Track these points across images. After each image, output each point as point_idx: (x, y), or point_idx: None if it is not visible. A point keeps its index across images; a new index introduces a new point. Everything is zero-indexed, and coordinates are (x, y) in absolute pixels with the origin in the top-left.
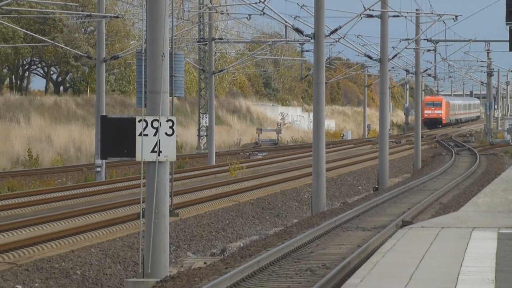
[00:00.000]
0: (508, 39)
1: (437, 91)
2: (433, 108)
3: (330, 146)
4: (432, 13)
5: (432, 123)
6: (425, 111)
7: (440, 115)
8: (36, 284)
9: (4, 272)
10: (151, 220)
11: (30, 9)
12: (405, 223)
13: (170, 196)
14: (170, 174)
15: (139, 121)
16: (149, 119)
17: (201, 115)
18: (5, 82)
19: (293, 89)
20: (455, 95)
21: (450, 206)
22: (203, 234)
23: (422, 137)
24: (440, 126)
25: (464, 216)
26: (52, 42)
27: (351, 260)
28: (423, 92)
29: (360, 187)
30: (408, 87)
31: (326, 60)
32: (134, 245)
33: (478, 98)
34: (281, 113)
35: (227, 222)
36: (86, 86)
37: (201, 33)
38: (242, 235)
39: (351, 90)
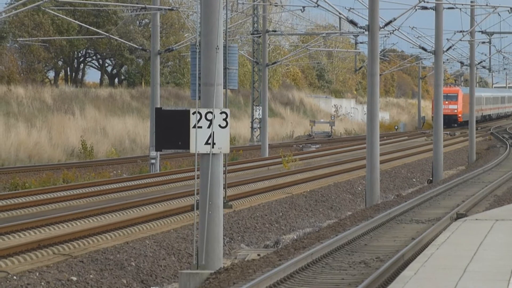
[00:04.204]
0: None
1: (492, 83)
2: (446, 102)
3: (384, 138)
4: (487, 5)
5: (444, 121)
6: None
7: (455, 111)
8: (91, 276)
9: (59, 264)
10: (205, 212)
11: (84, 1)
12: (459, 216)
13: (224, 188)
14: (223, 166)
15: (193, 113)
16: (203, 111)
17: (254, 107)
18: (60, 74)
19: (347, 81)
20: (509, 87)
21: (505, 198)
22: (257, 226)
23: (476, 129)
24: (456, 125)
25: None
26: (107, 34)
27: (405, 252)
28: (477, 84)
29: (414, 180)
30: (462, 79)
31: (380, 52)
32: (188, 237)
33: None
34: (335, 105)
35: (281, 214)
36: (140, 78)
37: (255, 25)
38: (296, 227)
39: (405, 82)
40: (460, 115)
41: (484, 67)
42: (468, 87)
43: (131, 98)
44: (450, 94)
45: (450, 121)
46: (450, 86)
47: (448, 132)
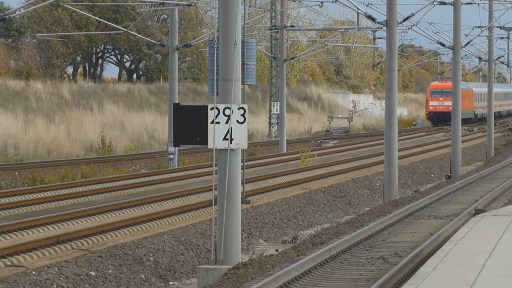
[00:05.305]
0: None
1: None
2: (441, 99)
3: (402, 134)
4: (505, 0)
5: (439, 118)
6: (430, 103)
7: (451, 108)
8: (110, 271)
9: (78, 259)
10: (223, 207)
11: None
12: (477, 211)
13: (242, 183)
14: (241, 162)
15: (211, 108)
16: (221, 106)
17: (272, 102)
18: (79, 70)
19: (365, 77)
20: None
21: None
22: (275, 222)
23: (494, 125)
24: (451, 123)
25: None
26: (126, 30)
27: (424, 248)
28: (495, 79)
29: (432, 175)
30: (481, 74)
31: (399, 47)
32: (206, 232)
33: None
34: (353, 101)
35: (299, 209)
36: (159, 74)
37: (273, 20)
38: (314, 223)
39: (423, 78)
40: None
41: (502, 62)
42: (466, 82)
43: (149, 93)
44: (446, 89)
45: (446, 119)
46: (445, 80)
47: (466, 127)
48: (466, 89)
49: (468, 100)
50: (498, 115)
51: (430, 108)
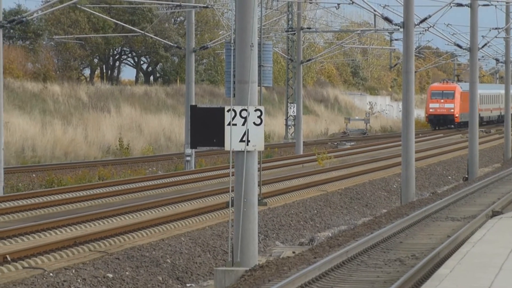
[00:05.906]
0: None
1: None
2: (441, 101)
3: (419, 136)
4: None
5: (439, 121)
6: (430, 105)
7: (452, 110)
8: (127, 273)
9: (95, 261)
10: (240, 209)
11: None
12: (495, 213)
13: (259, 185)
14: (258, 164)
15: (228, 110)
16: (238, 108)
17: (288, 104)
18: (96, 72)
19: (382, 78)
20: None
21: None
22: (291, 224)
23: None
24: (453, 126)
25: None
26: (143, 32)
27: (441, 250)
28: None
29: (449, 177)
30: (498, 76)
31: (416, 49)
32: (223, 234)
33: None
34: (370, 102)
35: (315, 211)
36: (175, 76)
37: (290, 22)
38: (330, 225)
39: (440, 79)
40: (457, 115)
41: None
42: (467, 83)
43: (166, 95)
44: (446, 91)
45: (446, 121)
46: (446, 82)
47: (483, 129)
48: (465, 91)
49: (466, 102)
50: (500, 119)
51: (430, 110)
